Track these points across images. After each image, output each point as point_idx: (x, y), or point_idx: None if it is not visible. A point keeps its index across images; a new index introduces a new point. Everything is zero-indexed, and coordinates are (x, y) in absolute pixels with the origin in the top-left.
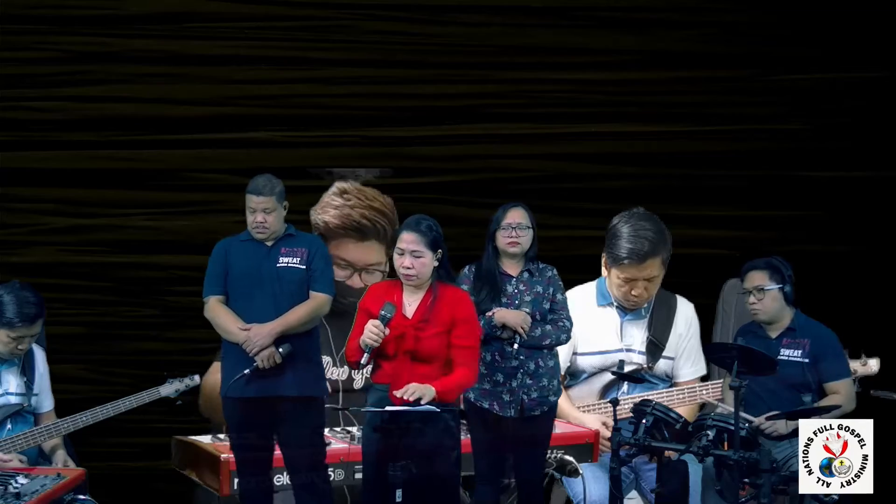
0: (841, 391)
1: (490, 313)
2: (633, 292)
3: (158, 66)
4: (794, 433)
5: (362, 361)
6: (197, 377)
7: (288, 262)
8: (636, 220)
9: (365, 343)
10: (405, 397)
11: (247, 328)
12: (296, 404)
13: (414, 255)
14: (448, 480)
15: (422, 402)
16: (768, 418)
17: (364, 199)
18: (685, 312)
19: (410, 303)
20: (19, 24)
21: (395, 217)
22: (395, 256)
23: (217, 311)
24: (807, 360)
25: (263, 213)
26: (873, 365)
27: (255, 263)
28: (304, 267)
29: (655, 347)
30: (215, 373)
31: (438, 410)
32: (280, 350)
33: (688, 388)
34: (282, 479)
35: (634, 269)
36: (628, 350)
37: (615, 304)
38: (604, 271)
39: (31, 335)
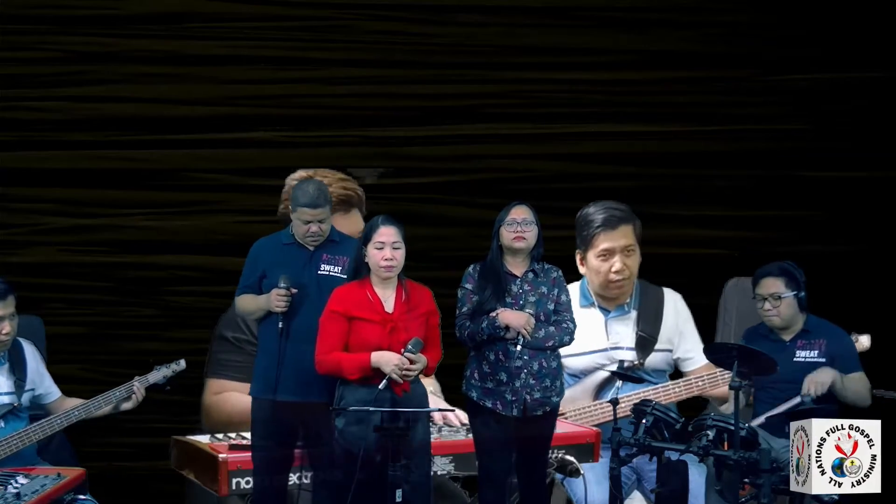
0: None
1: (494, 314)
2: (613, 269)
3: (158, 66)
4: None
5: (380, 387)
6: (183, 361)
7: (329, 271)
8: (603, 203)
9: (390, 377)
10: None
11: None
12: (325, 409)
13: (394, 246)
14: (429, 479)
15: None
16: (768, 418)
17: (331, 174)
18: (673, 302)
19: (386, 298)
20: (19, 24)
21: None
22: (374, 251)
23: (240, 300)
24: (823, 360)
25: (318, 223)
26: (864, 341)
27: (296, 270)
28: (345, 276)
29: (646, 342)
30: (221, 395)
31: (430, 409)
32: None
33: (707, 377)
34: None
35: (609, 236)
36: (616, 348)
37: (596, 304)
38: (581, 269)
39: (2, 315)
